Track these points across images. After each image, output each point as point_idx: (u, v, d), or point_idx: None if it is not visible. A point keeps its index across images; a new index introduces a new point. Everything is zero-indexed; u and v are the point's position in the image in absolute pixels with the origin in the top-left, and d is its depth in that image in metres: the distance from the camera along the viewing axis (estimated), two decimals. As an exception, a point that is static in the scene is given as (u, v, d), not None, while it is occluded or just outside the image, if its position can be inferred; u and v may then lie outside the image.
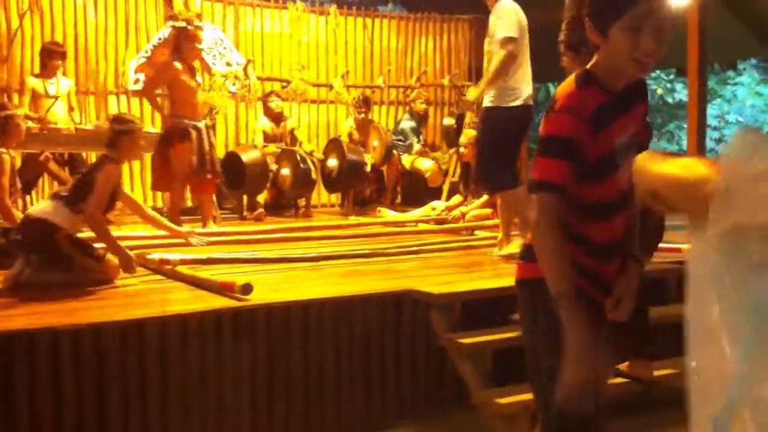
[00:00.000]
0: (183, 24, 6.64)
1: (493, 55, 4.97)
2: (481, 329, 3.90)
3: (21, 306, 3.68)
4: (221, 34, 9.45)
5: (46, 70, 7.56)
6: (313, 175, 8.64)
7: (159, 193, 8.39)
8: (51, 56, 7.59)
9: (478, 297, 4.05)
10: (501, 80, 4.95)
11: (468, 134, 7.83)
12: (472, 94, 5.54)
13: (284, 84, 9.21)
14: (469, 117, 8.53)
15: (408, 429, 3.86)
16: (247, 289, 3.77)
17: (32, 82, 7.56)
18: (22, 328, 3.21)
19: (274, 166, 8.33)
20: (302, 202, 8.68)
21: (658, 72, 17.33)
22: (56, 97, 7.50)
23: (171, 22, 6.95)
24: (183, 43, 6.64)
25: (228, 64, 9.29)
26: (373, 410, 3.89)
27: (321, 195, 9.55)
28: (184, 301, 3.85)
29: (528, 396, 3.60)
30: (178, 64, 6.57)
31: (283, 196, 8.68)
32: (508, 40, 4.81)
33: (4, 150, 4.92)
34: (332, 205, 9.89)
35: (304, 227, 6.86)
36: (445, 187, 9.40)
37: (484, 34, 5.18)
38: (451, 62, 10.96)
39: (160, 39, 9.00)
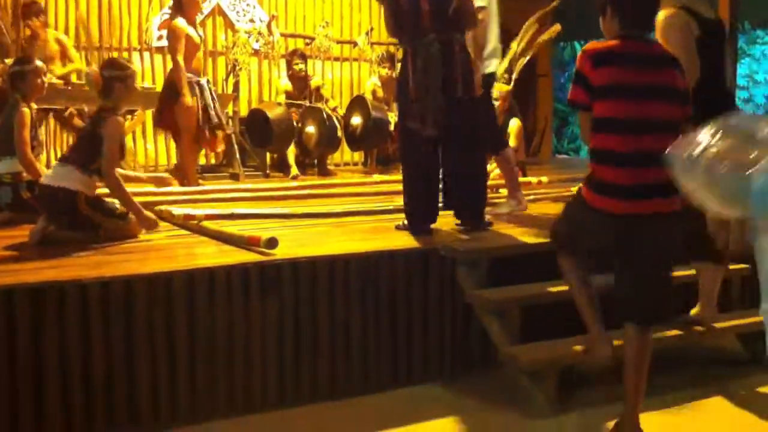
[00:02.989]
0: None
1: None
2: (510, 285, 3.87)
3: (48, 259, 3.69)
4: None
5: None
6: (339, 133, 8.60)
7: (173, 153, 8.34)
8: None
9: (505, 253, 4.01)
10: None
11: (500, 88, 7.71)
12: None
13: (308, 41, 9.13)
14: (500, 70, 8.42)
15: (434, 386, 3.86)
16: (272, 243, 3.77)
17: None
18: (51, 280, 3.22)
19: (298, 124, 8.29)
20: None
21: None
22: None
23: None
24: None
25: (251, 21, 9.25)
26: (400, 367, 3.89)
27: (344, 153, 9.51)
28: (210, 255, 3.85)
29: (555, 353, 3.61)
30: (180, 22, 6.45)
31: (308, 154, 8.65)
32: (479, 9, 4.76)
33: (25, 104, 4.89)
34: (355, 164, 9.85)
35: (328, 184, 6.84)
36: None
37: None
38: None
39: (182, -5, 8.93)
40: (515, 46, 8.64)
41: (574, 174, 6.99)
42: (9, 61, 5.40)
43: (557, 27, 8.86)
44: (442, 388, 3.85)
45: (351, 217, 4.90)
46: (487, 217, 4.63)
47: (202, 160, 9.20)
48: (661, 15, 3.44)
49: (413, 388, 3.85)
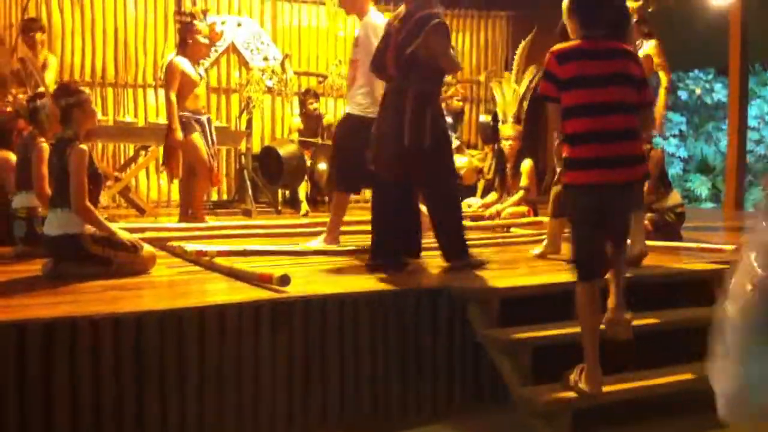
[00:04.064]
0: (188, 19, 6.61)
1: (359, 65, 5.11)
2: (522, 326, 3.86)
3: (61, 294, 3.71)
4: (260, 29, 9.50)
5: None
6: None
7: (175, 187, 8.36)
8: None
9: (517, 294, 4.01)
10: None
11: (514, 127, 7.76)
12: None
13: (321, 79, 9.21)
14: (510, 111, 8.48)
15: (444, 426, 3.83)
16: (284, 280, 3.77)
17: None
18: (64, 316, 3.23)
19: (309, 161, 8.34)
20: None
21: (697, 71, 17.12)
22: None
23: (177, 17, 6.90)
24: (187, 38, 6.60)
25: (265, 59, 9.34)
26: (409, 406, 3.86)
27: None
28: (222, 291, 3.86)
29: (570, 394, 3.58)
30: (177, 59, 6.52)
31: (320, 191, 8.69)
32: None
33: (42, 139, 4.92)
34: (366, 201, 9.86)
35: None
36: (480, 185, 9.34)
37: (522, 31, 5.21)
38: (488, 59, 10.90)
39: (198, 33, 9.05)
40: (516, 88, 8.70)
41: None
42: (20, 93, 5.42)
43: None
44: (452, 427, 3.82)
45: (363, 255, 4.89)
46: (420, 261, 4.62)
47: (214, 196, 9.29)
48: None
49: (422, 428, 3.81)
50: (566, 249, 4.92)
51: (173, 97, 6.39)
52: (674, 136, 17.34)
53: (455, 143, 9.55)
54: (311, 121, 8.88)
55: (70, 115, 4.21)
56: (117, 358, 3.26)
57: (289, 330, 3.61)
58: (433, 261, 4.63)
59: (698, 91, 17.30)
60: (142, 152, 7.90)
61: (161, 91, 9.07)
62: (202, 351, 3.42)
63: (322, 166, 8.45)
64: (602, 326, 3.62)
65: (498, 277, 4.29)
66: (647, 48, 6.07)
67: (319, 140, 8.64)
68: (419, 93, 4.29)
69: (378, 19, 5.12)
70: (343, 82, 9.61)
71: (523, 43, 9.06)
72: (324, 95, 9.22)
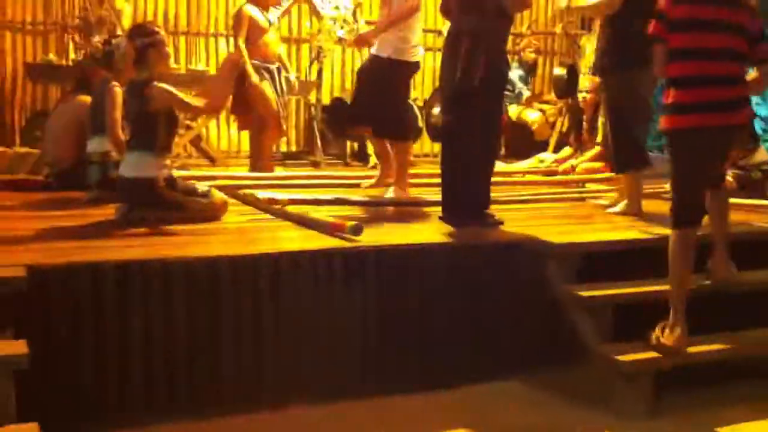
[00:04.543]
0: None
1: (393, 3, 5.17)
2: (602, 281, 3.71)
3: (133, 237, 3.70)
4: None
5: None
6: (419, 123, 8.50)
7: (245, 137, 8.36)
8: None
9: (599, 249, 3.84)
10: (399, 31, 5.17)
11: (592, 79, 7.48)
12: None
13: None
14: (587, 62, 8.18)
15: (519, 382, 3.72)
16: (357, 230, 3.69)
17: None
18: (137, 259, 3.20)
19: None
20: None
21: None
22: None
23: None
24: None
25: (336, 8, 9.16)
26: (483, 362, 3.76)
27: (424, 144, 9.41)
28: (295, 239, 3.79)
29: (653, 354, 3.43)
30: (246, 6, 6.47)
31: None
32: None
33: (116, 83, 4.90)
34: (435, 155, 9.72)
35: (410, 174, 6.73)
36: (552, 140, 9.10)
37: None
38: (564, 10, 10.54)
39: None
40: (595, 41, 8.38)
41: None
42: (96, 39, 5.41)
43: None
44: (526, 384, 3.71)
45: (436, 207, 4.77)
46: (496, 217, 4.28)
47: (283, 147, 9.26)
48: None
49: (496, 383, 3.71)
50: (649, 207, 4.75)
51: (242, 43, 6.35)
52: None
53: (526, 95, 9.35)
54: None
55: (146, 56, 4.16)
56: (190, 304, 3.23)
57: (362, 280, 3.53)
58: (508, 215, 4.48)
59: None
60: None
61: (233, 40, 9.07)
62: (277, 298, 3.37)
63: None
64: (707, 281, 3.69)
65: (577, 232, 4.13)
66: None
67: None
68: (475, 32, 4.08)
69: None
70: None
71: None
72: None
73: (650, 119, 4.89)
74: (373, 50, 5.49)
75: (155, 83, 4.11)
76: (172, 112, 4.21)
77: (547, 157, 7.79)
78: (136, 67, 4.22)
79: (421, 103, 8.79)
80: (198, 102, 4.35)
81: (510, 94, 9.20)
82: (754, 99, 18.03)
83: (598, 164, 7.12)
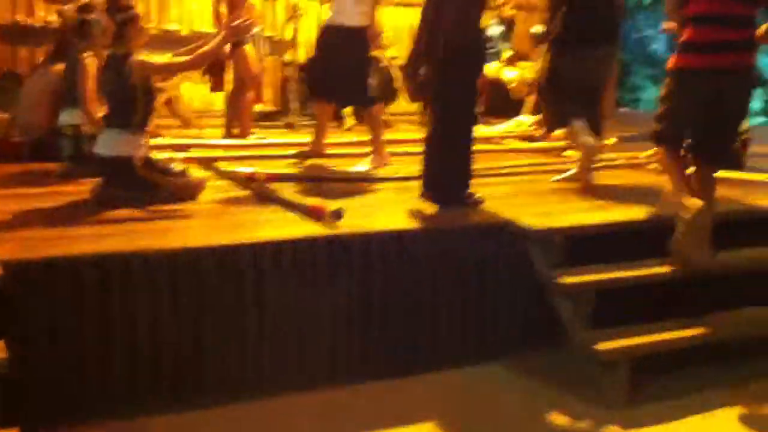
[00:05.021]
0: None
1: None
2: (584, 265, 3.71)
3: (111, 223, 3.64)
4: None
5: None
6: (396, 84, 8.40)
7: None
8: None
9: (580, 233, 3.84)
10: None
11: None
12: None
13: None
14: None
15: (501, 366, 3.75)
16: (338, 214, 3.65)
17: None
18: (118, 251, 3.14)
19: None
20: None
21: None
22: None
23: None
24: None
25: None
26: (468, 345, 3.78)
27: (402, 103, 9.31)
28: (276, 224, 3.73)
29: (631, 341, 3.47)
30: None
31: (363, 104, 8.46)
32: None
33: (89, 54, 4.77)
34: (411, 113, 9.63)
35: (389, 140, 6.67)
36: (530, 99, 9.05)
37: None
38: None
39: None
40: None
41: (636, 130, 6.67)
42: (68, 7, 5.23)
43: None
44: (508, 367, 3.74)
45: (414, 182, 4.72)
46: (478, 195, 4.24)
47: (257, 107, 9.11)
48: None
49: (479, 367, 3.73)
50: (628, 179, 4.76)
51: (223, 8, 6.19)
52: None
53: (507, 54, 9.25)
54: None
55: (124, 31, 4.08)
56: (172, 296, 3.19)
57: (347, 267, 3.51)
58: (488, 190, 4.45)
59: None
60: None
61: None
62: (259, 287, 3.34)
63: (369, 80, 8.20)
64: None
65: (560, 213, 4.11)
66: None
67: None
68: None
69: None
70: (392, -9, 9.27)
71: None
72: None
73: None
74: (340, 21, 5.31)
75: (133, 58, 4.02)
76: (149, 87, 4.12)
77: (525, 120, 7.75)
78: (114, 42, 4.12)
79: (401, 62, 8.64)
80: (178, 59, 4.26)
81: (489, 51, 9.11)
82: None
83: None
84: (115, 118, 4.11)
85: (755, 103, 16.78)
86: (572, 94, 4.76)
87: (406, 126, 8.62)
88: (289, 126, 7.70)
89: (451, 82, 4.07)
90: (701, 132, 3.94)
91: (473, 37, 4.15)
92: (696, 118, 3.90)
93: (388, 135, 7.19)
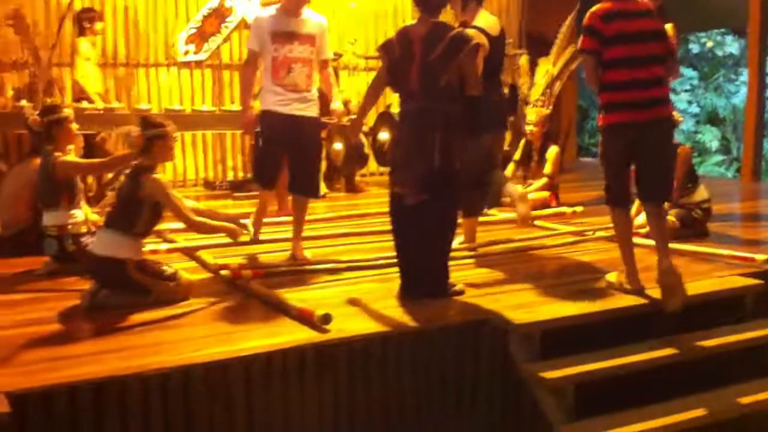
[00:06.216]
0: None
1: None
2: (563, 357, 3.86)
3: (105, 337, 3.69)
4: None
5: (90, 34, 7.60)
6: (366, 150, 8.59)
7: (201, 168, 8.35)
8: (91, 20, 7.63)
9: (558, 325, 3.99)
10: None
11: (537, 112, 7.66)
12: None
13: (335, 56, 9.05)
14: (535, 94, 8.37)
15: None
16: (326, 319, 3.76)
17: (84, 47, 7.55)
18: (115, 375, 3.21)
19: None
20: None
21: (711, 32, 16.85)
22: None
23: None
24: None
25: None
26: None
27: (370, 164, 9.50)
28: (264, 330, 3.80)
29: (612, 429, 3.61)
30: None
31: (336, 171, 8.63)
32: None
33: (59, 154, 4.90)
34: (381, 173, 9.81)
35: (359, 214, 6.82)
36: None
37: None
38: (502, 26, 10.67)
39: (209, 9, 8.92)
40: (551, 68, 8.56)
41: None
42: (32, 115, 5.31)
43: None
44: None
45: (394, 269, 4.83)
46: (458, 286, 4.41)
47: (229, 175, 9.24)
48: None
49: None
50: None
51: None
52: (685, 91, 17.18)
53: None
54: (324, 98, 8.74)
55: (152, 146, 4.27)
56: (164, 413, 3.28)
57: (332, 372, 3.62)
58: (464, 275, 4.61)
59: (709, 44, 17.08)
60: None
61: (173, 69, 8.98)
62: (248, 399, 3.44)
63: (338, 146, 8.39)
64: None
65: (537, 303, 4.25)
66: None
67: (335, 119, 8.52)
68: (448, 115, 4.20)
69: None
70: (358, 61, 9.51)
71: (567, 20, 8.90)
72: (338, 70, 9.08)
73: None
74: (300, 111, 5.12)
75: (155, 175, 4.21)
76: (158, 205, 4.26)
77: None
78: (141, 154, 4.30)
79: (366, 128, 8.84)
80: (187, 213, 4.32)
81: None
82: (685, 96, 18.32)
83: (545, 194, 7.34)
84: (118, 221, 4.22)
85: (712, 143, 17.26)
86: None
87: (377, 189, 8.81)
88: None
89: (448, 191, 4.29)
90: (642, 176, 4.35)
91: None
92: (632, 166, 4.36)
93: (361, 207, 7.36)
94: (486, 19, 5.22)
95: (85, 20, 7.62)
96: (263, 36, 5.07)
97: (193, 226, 4.36)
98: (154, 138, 4.29)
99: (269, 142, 5.22)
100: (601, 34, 4.17)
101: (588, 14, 4.27)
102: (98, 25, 7.74)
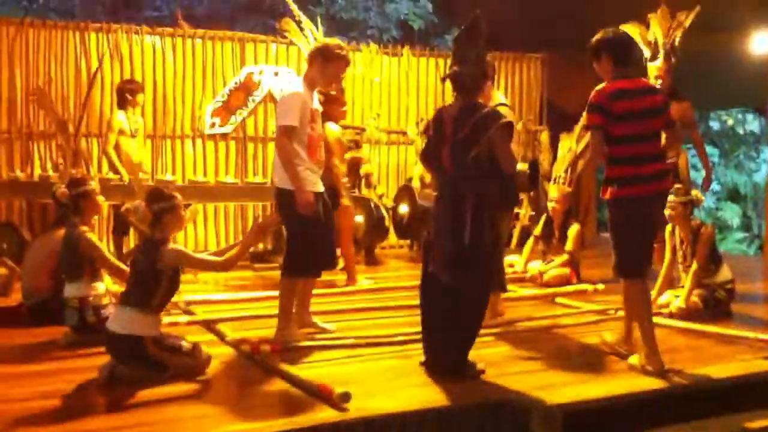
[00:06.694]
0: None
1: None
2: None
3: (122, 413, 3.68)
4: (296, 77, 9.46)
5: (129, 107, 7.74)
6: (387, 223, 8.62)
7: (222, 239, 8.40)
8: (133, 92, 7.77)
9: (581, 408, 3.92)
10: None
11: (561, 189, 7.69)
12: None
13: (359, 131, 9.19)
14: (557, 170, 8.40)
15: None
16: (346, 397, 3.72)
17: (120, 119, 7.68)
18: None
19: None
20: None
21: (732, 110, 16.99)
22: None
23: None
24: None
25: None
26: None
27: (390, 237, 9.52)
28: (283, 408, 3.78)
29: None
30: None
31: (356, 243, 8.64)
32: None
33: (86, 228, 4.96)
34: (400, 246, 9.84)
35: (377, 289, 6.83)
36: (515, 231, 9.30)
37: (557, 72, 5.37)
38: (523, 101, 10.85)
39: (236, 83, 9.12)
40: (574, 145, 8.61)
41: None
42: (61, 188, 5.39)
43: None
44: None
45: (414, 345, 4.80)
46: (479, 366, 4.34)
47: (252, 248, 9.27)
48: None
49: None
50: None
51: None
52: (707, 167, 17.23)
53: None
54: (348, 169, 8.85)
55: (161, 218, 4.27)
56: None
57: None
58: (484, 354, 4.57)
59: (730, 122, 17.17)
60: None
61: (198, 142, 9.13)
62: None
63: (359, 219, 8.42)
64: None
65: (559, 384, 4.19)
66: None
67: (355, 191, 8.61)
68: (479, 194, 4.22)
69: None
70: (381, 135, 9.63)
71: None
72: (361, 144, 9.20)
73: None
74: (321, 187, 5.11)
75: (169, 246, 4.22)
76: (176, 275, 4.28)
77: (516, 259, 7.92)
78: (151, 228, 4.31)
79: (388, 201, 8.91)
80: (212, 259, 4.44)
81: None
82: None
83: (566, 270, 7.30)
84: (134, 297, 4.22)
85: (733, 220, 17.20)
86: None
87: (396, 262, 8.82)
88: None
89: (479, 273, 4.28)
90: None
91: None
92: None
93: (387, 282, 7.36)
94: (499, 98, 5.34)
95: (127, 92, 7.78)
96: (306, 113, 4.94)
97: (224, 266, 4.43)
98: (162, 212, 4.28)
99: (318, 224, 5.02)
100: (608, 111, 4.32)
101: (594, 92, 4.42)
102: (139, 97, 7.89)
